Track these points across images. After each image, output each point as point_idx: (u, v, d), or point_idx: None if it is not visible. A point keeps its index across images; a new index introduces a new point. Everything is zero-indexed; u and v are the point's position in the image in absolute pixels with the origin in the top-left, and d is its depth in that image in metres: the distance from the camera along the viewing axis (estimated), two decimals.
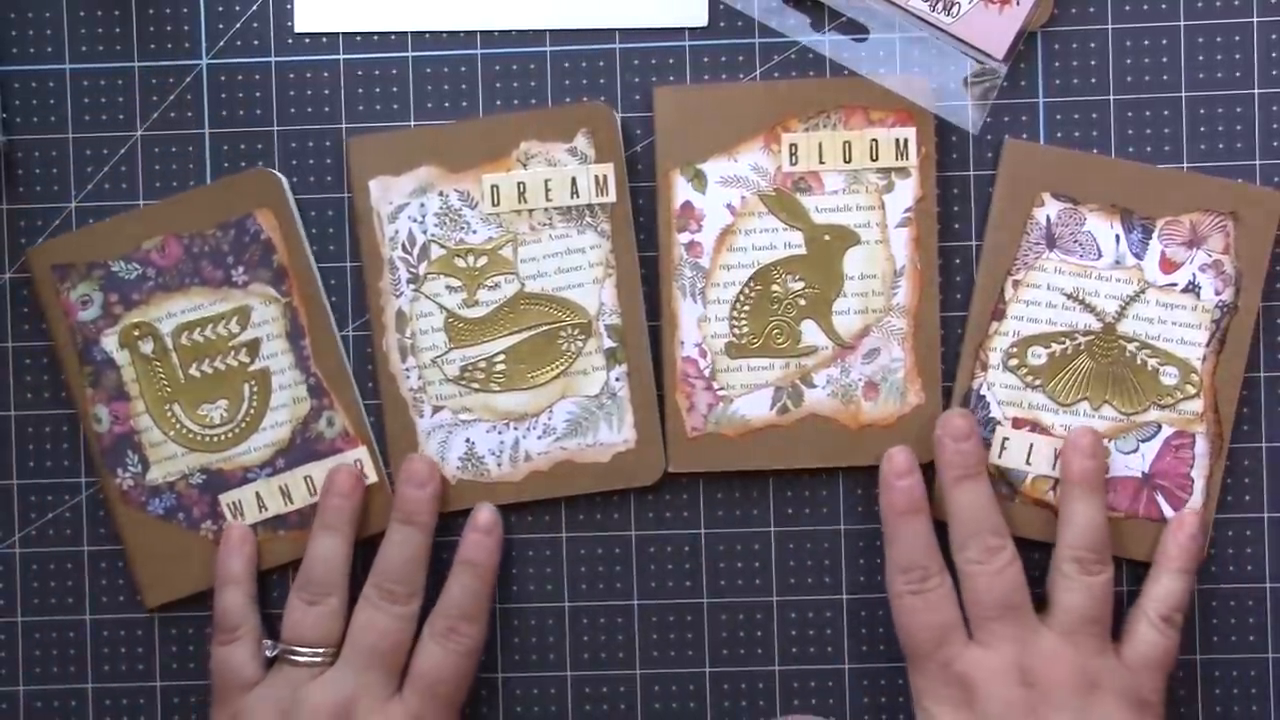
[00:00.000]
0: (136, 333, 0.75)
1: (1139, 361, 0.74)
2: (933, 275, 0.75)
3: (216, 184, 0.76)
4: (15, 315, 0.77)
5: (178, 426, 0.75)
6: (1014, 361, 0.74)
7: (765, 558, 0.76)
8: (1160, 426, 0.74)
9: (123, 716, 0.77)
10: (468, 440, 0.75)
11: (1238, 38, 0.75)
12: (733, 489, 0.76)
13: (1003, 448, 0.74)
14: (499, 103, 0.76)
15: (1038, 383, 0.74)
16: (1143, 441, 0.74)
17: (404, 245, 0.75)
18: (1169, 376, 0.74)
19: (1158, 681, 0.72)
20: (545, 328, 0.75)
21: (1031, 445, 0.74)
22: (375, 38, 0.76)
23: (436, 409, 0.75)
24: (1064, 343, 0.74)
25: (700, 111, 0.75)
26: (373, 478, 0.75)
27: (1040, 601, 0.72)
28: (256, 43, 0.76)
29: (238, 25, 0.76)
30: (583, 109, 0.75)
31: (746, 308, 0.74)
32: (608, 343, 0.75)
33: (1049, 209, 0.74)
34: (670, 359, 0.75)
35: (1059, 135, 0.75)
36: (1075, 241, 0.74)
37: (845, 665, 0.76)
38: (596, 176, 0.74)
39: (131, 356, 0.75)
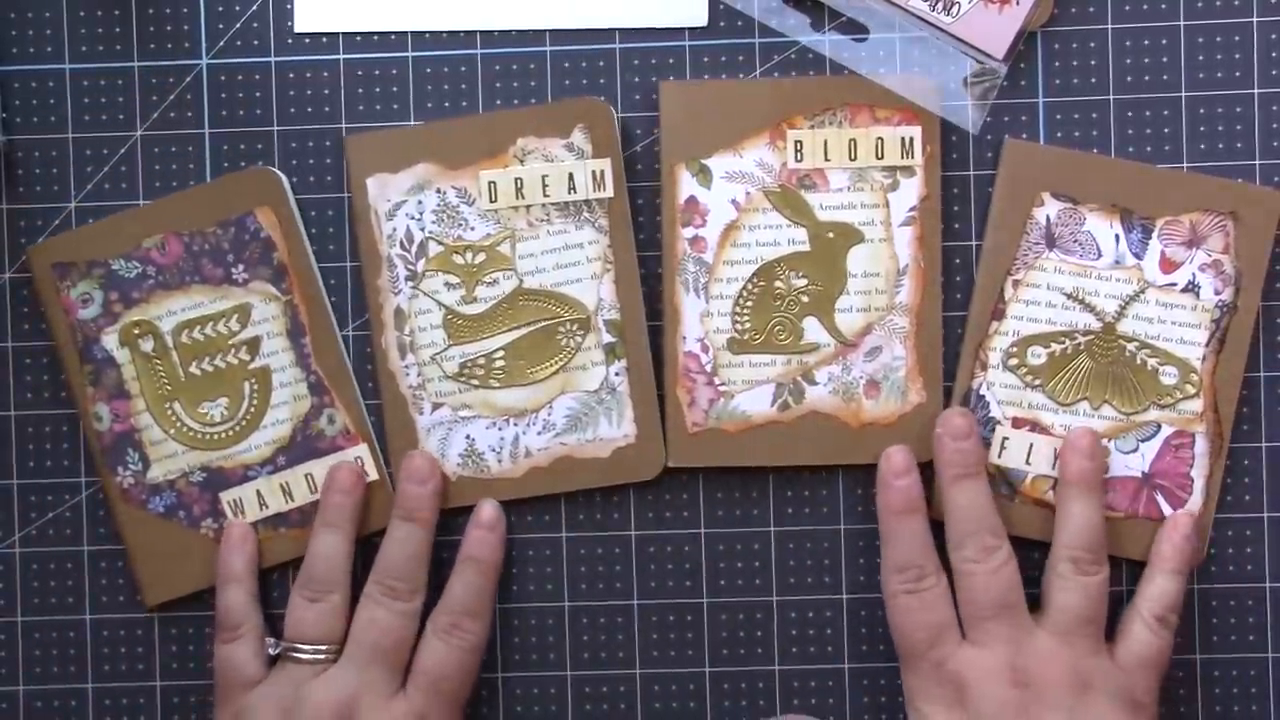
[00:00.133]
0: (137, 331, 0.75)
1: (1139, 361, 0.74)
2: (936, 274, 0.75)
3: (216, 182, 0.76)
4: (15, 315, 0.77)
5: (178, 425, 0.75)
6: (1014, 361, 0.74)
7: (765, 557, 0.76)
8: (1160, 426, 0.74)
9: (123, 716, 0.77)
10: (468, 437, 0.75)
11: (1238, 38, 0.75)
12: (733, 488, 0.76)
13: (1002, 447, 0.74)
14: (499, 103, 0.76)
15: (1037, 382, 0.74)
16: (1142, 441, 0.74)
17: (402, 242, 0.75)
18: (1169, 376, 0.74)
19: (1151, 682, 0.71)
20: (544, 323, 0.75)
21: (1031, 445, 0.74)
22: (375, 38, 0.76)
23: (436, 406, 0.75)
24: (1064, 342, 0.74)
25: (706, 107, 0.75)
26: (373, 475, 0.75)
27: (1034, 600, 0.72)
28: (256, 43, 0.76)
29: (238, 25, 0.76)
30: (579, 104, 0.75)
31: (749, 304, 0.74)
32: (607, 338, 0.75)
33: (1049, 209, 0.74)
34: (672, 354, 0.75)
35: (1059, 135, 0.75)
36: (1075, 241, 0.74)
37: (845, 665, 0.76)
38: (594, 172, 0.74)
39: (132, 355, 0.75)
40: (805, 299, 0.75)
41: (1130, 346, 0.74)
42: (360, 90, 0.76)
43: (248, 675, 0.73)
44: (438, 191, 0.75)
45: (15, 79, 0.77)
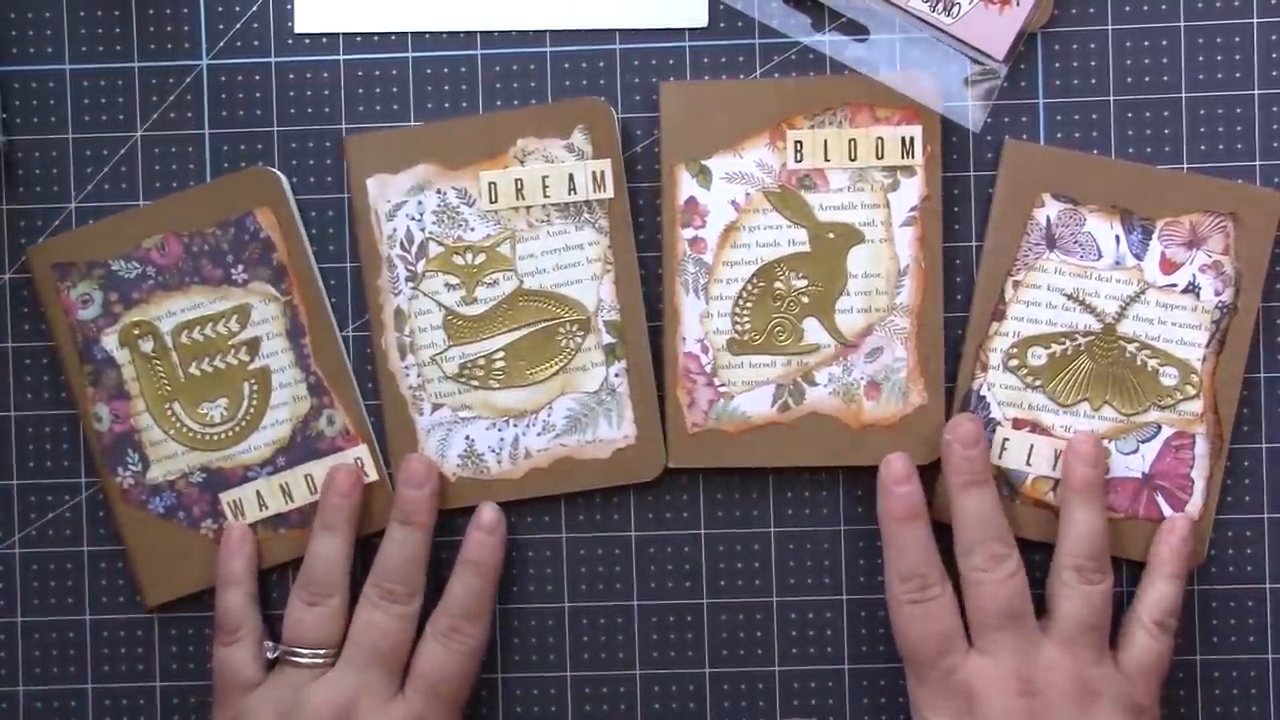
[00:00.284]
0: (137, 331, 0.75)
1: (1139, 362, 0.74)
2: (937, 275, 0.74)
3: (216, 182, 0.76)
4: (15, 315, 0.77)
5: (178, 425, 0.75)
6: (1014, 362, 0.74)
7: (765, 558, 0.76)
8: (1160, 427, 0.74)
9: (123, 716, 0.77)
10: (467, 437, 0.75)
11: (1238, 38, 0.75)
12: (733, 489, 0.76)
13: (1003, 448, 0.74)
14: (499, 103, 0.76)
15: (1038, 383, 0.74)
16: (1143, 442, 0.74)
17: (402, 243, 0.75)
18: (1169, 377, 0.74)
19: (1153, 686, 0.72)
20: (544, 324, 0.75)
21: (1032, 446, 0.74)
22: (375, 38, 0.76)
23: (436, 406, 0.75)
24: (1064, 343, 0.74)
25: (706, 107, 0.75)
26: (373, 476, 0.75)
27: (1037, 601, 0.72)
28: (256, 43, 0.76)
29: (238, 25, 0.76)
30: (580, 105, 0.75)
31: (749, 304, 0.74)
32: (606, 339, 0.75)
33: (1049, 209, 0.74)
34: (672, 354, 0.75)
35: (1059, 136, 0.75)
36: (1075, 242, 0.74)
37: (845, 666, 0.76)
38: (594, 172, 0.74)
39: (132, 355, 0.75)
40: (805, 300, 0.75)
41: (1130, 347, 0.74)
42: (360, 90, 0.76)
43: (246, 678, 0.73)
44: (438, 192, 0.75)
45: (15, 79, 0.77)
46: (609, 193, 0.74)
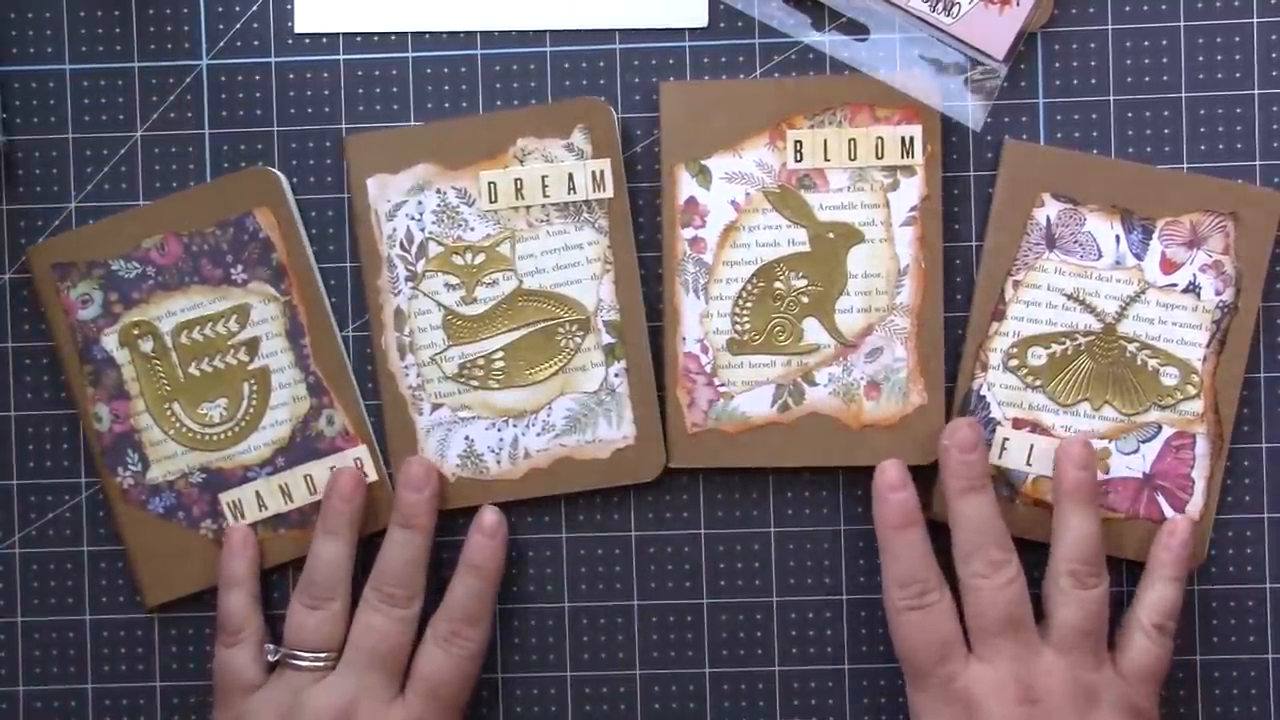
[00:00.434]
0: (136, 331, 0.75)
1: (1139, 362, 0.74)
2: (937, 275, 0.74)
3: (216, 182, 0.76)
4: (15, 315, 0.77)
5: (178, 425, 0.75)
6: (1014, 362, 0.74)
7: (765, 558, 0.76)
8: (1161, 427, 0.74)
9: (123, 716, 0.77)
10: (467, 438, 0.75)
11: (1238, 38, 0.75)
12: (733, 489, 0.76)
13: (1003, 448, 0.74)
14: (499, 103, 0.76)
15: (1038, 383, 0.74)
16: (1143, 442, 0.74)
17: (402, 243, 0.75)
18: (1169, 377, 0.74)
19: (1152, 689, 0.72)
20: (543, 324, 0.75)
21: (1032, 446, 0.74)
22: (375, 38, 0.76)
23: (436, 406, 0.75)
24: (1064, 343, 0.74)
25: (706, 107, 0.75)
26: (373, 476, 0.75)
27: (1035, 601, 0.72)
28: (256, 43, 0.76)
29: (238, 25, 0.76)
30: (579, 105, 0.75)
31: (749, 304, 0.74)
32: (606, 339, 0.75)
33: (1049, 209, 0.74)
34: (672, 354, 0.75)
35: (1059, 135, 0.75)
36: (1075, 242, 0.74)
37: (845, 666, 0.76)
38: (594, 172, 0.74)
39: (131, 355, 0.75)
40: (805, 299, 0.75)
41: (1131, 347, 0.74)
42: (360, 90, 0.76)
43: (247, 680, 0.73)
44: (438, 192, 0.75)
45: (15, 79, 0.77)
46: (609, 193, 0.74)
